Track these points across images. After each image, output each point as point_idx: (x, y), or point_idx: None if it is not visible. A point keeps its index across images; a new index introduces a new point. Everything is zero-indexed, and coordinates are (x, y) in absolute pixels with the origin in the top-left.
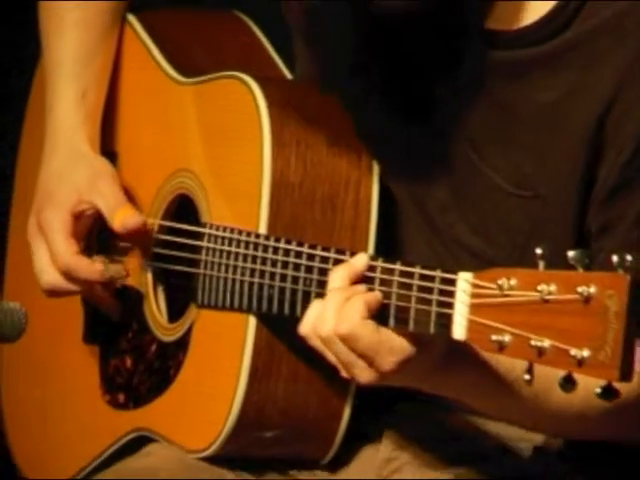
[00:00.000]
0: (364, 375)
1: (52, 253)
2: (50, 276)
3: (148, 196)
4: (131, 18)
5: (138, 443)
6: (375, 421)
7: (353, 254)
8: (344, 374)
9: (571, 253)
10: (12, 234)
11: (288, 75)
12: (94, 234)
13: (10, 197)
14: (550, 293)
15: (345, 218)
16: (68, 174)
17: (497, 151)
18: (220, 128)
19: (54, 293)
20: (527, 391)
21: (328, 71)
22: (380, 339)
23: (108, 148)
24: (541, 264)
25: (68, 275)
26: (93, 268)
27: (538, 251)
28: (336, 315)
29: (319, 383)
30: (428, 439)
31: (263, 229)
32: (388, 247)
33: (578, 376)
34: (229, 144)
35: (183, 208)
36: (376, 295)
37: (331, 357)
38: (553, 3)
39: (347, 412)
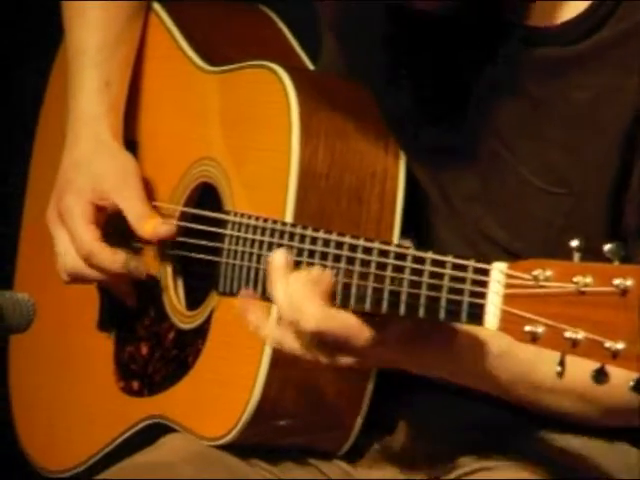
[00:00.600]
0: (347, 361)
1: (74, 239)
2: (73, 259)
3: (170, 184)
4: (156, 6)
5: (150, 432)
6: (390, 412)
7: (382, 243)
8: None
9: (607, 246)
10: (25, 224)
11: (311, 67)
12: (112, 222)
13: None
14: (586, 285)
15: (371, 210)
16: (90, 162)
17: (529, 148)
18: (247, 117)
19: (74, 278)
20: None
21: (358, 66)
22: (344, 323)
23: (130, 137)
24: (576, 256)
25: (89, 261)
26: (115, 258)
27: (573, 243)
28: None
29: (339, 371)
30: (444, 430)
31: (289, 218)
32: (413, 240)
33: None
34: (256, 133)
35: (206, 196)
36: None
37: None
38: (589, 2)
39: (366, 401)
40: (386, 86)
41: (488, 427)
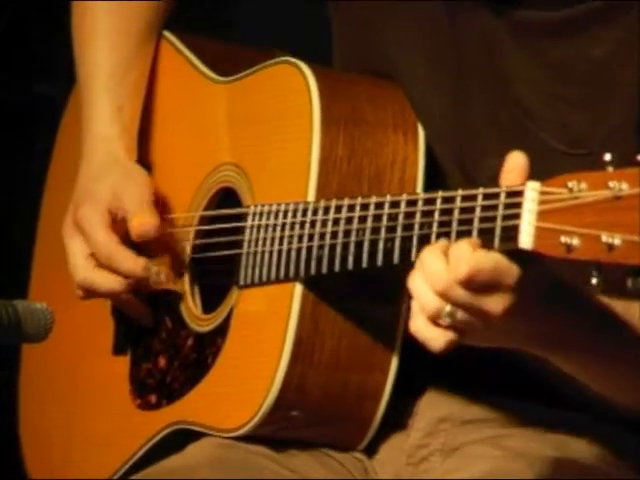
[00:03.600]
0: (499, 305)
1: (92, 244)
2: (84, 269)
3: (188, 196)
4: (168, 35)
5: (175, 443)
6: (406, 407)
7: (409, 195)
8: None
9: None
10: (40, 241)
11: None
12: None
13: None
14: (621, 190)
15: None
16: (106, 174)
17: (550, 112)
18: (265, 113)
19: (88, 292)
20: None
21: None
22: (496, 260)
23: (144, 160)
24: (610, 169)
25: (109, 267)
26: (137, 260)
27: (607, 157)
28: (446, 262)
29: (360, 365)
30: (458, 424)
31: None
32: None
33: None
34: (275, 125)
35: (226, 200)
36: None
37: (448, 321)
38: None
39: (386, 395)
40: (405, 64)
41: (504, 421)
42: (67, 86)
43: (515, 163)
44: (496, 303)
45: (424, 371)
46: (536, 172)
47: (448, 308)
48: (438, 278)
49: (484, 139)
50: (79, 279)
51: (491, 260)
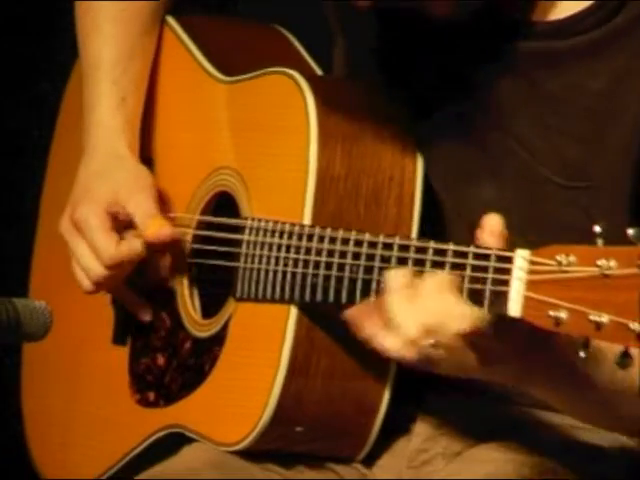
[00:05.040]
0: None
1: (95, 249)
2: (98, 271)
3: (186, 196)
4: (171, 20)
5: (166, 444)
6: (407, 412)
7: (402, 238)
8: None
9: (631, 230)
10: (39, 238)
11: None
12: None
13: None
14: (610, 268)
15: (389, 214)
16: (109, 173)
17: (547, 144)
18: (264, 123)
19: (99, 287)
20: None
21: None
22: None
23: (145, 154)
24: (599, 241)
25: (113, 264)
26: (135, 246)
27: (597, 229)
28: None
29: (356, 378)
30: (460, 430)
31: (307, 221)
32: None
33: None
34: (273, 138)
35: (223, 205)
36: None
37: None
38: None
39: (383, 408)
40: (395, 90)
41: (504, 427)
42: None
43: (492, 226)
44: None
45: (423, 380)
46: (532, 204)
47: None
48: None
49: (478, 170)
50: (92, 279)
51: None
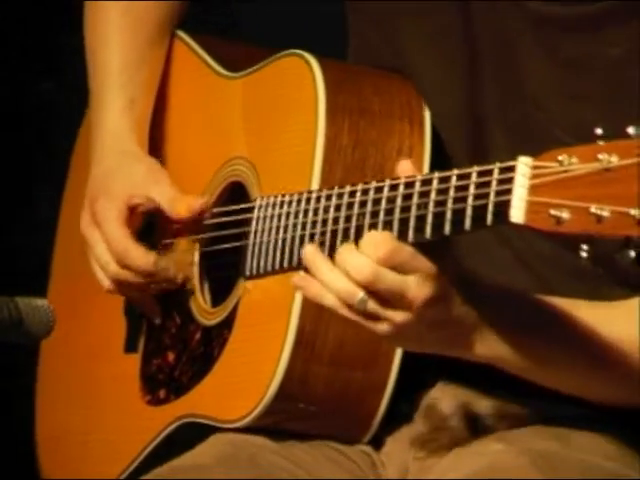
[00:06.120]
0: (422, 290)
1: (107, 240)
2: (114, 267)
3: (198, 191)
4: (182, 34)
5: (180, 442)
6: (412, 400)
7: (407, 177)
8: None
9: (631, 129)
10: (58, 243)
11: None
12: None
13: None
14: (611, 162)
15: None
16: (123, 168)
17: (563, 107)
18: (275, 105)
19: (118, 285)
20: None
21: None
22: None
23: (155, 155)
24: (600, 142)
25: (122, 261)
26: (148, 256)
27: (598, 131)
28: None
29: (364, 355)
30: (465, 419)
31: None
32: None
33: None
34: (283, 118)
35: (236, 195)
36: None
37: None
38: None
39: (390, 386)
40: (416, 56)
41: (506, 413)
42: (70, 84)
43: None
44: (418, 287)
45: (431, 366)
46: None
47: (362, 294)
48: (360, 268)
49: (494, 133)
50: (110, 274)
51: (408, 246)
